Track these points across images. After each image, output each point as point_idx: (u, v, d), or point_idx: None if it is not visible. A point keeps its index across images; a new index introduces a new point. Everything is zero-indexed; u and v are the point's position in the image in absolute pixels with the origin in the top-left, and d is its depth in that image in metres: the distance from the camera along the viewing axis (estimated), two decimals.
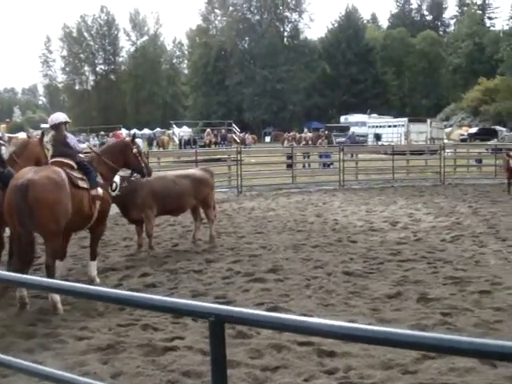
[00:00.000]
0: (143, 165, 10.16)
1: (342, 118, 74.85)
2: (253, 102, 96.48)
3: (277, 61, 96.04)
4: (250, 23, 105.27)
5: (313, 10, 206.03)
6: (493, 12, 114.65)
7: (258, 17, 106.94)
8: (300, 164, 28.30)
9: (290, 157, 26.23)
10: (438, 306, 7.65)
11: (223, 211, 16.88)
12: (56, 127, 8.94)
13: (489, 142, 39.68)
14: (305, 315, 7.24)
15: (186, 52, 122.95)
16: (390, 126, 55.90)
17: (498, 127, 64.46)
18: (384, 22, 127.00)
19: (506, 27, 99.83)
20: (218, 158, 26.50)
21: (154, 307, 2.87)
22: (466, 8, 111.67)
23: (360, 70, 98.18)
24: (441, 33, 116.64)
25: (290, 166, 25.86)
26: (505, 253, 10.84)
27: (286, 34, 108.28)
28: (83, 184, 8.41)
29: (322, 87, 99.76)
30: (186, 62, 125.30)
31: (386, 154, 31.51)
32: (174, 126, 57.46)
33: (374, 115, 70.02)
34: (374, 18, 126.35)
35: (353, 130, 59.29)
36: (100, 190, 8.70)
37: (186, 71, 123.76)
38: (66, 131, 9.01)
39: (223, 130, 53.82)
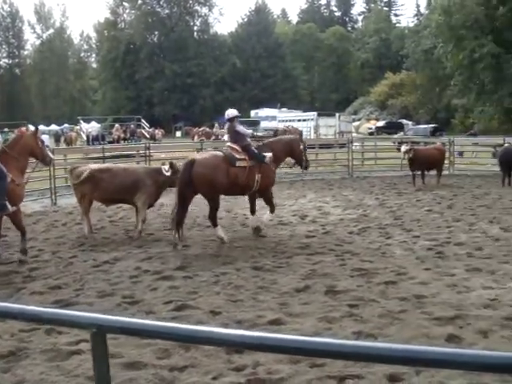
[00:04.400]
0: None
1: (253, 113, 75.30)
2: (163, 97, 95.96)
3: (187, 55, 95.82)
4: (159, 17, 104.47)
5: (222, 4, 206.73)
6: (398, 9, 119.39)
7: (167, 10, 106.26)
8: None
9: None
10: (346, 297, 7.73)
11: None
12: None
13: (395, 136, 40.86)
14: (212, 312, 7.19)
15: (94, 46, 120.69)
16: (299, 120, 56.54)
17: (404, 120, 66.70)
18: (294, 18, 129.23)
19: (411, 24, 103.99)
20: (126, 154, 25.93)
21: (36, 319, 2.72)
22: (373, 5, 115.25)
23: (270, 65, 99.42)
24: (349, 28, 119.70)
25: None
26: (410, 243, 11.12)
27: (195, 28, 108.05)
28: None
29: (232, 81, 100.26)
30: (94, 55, 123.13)
31: None
32: (82, 121, 55.96)
33: (284, 109, 70.80)
34: (283, 13, 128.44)
35: (263, 124, 59.83)
36: None
37: (94, 65, 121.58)
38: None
39: (132, 126, 52.82)
